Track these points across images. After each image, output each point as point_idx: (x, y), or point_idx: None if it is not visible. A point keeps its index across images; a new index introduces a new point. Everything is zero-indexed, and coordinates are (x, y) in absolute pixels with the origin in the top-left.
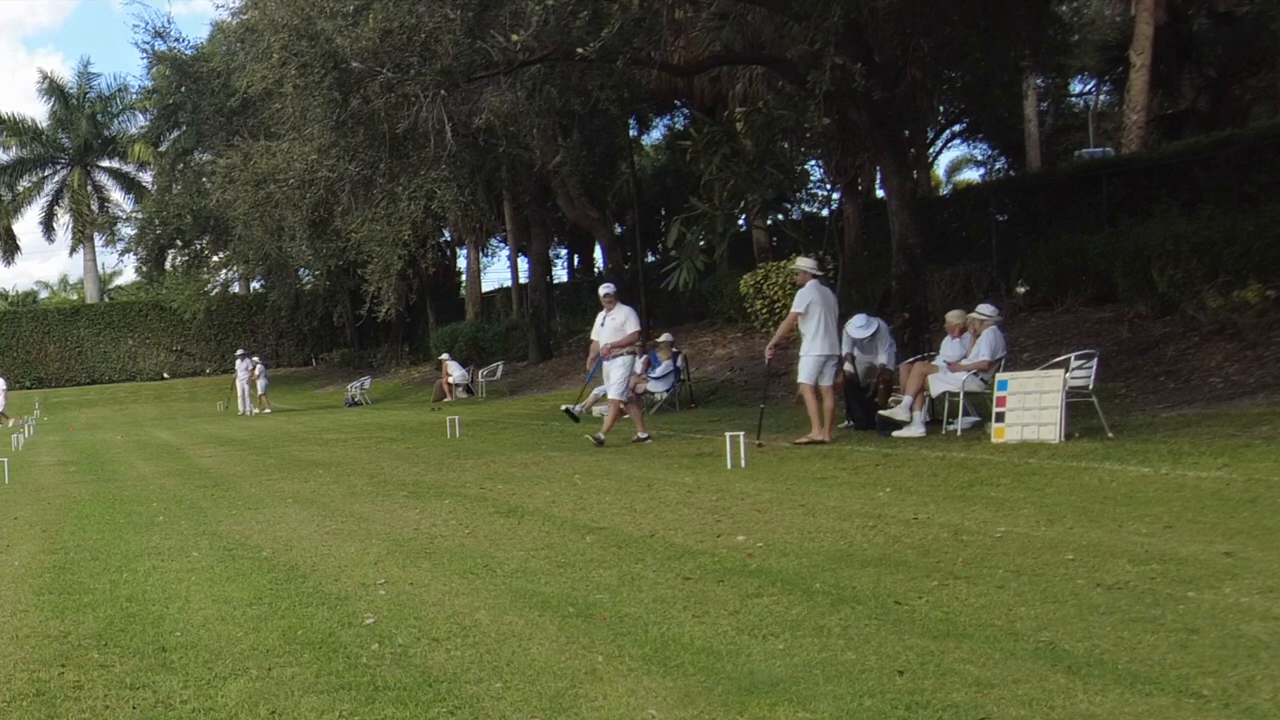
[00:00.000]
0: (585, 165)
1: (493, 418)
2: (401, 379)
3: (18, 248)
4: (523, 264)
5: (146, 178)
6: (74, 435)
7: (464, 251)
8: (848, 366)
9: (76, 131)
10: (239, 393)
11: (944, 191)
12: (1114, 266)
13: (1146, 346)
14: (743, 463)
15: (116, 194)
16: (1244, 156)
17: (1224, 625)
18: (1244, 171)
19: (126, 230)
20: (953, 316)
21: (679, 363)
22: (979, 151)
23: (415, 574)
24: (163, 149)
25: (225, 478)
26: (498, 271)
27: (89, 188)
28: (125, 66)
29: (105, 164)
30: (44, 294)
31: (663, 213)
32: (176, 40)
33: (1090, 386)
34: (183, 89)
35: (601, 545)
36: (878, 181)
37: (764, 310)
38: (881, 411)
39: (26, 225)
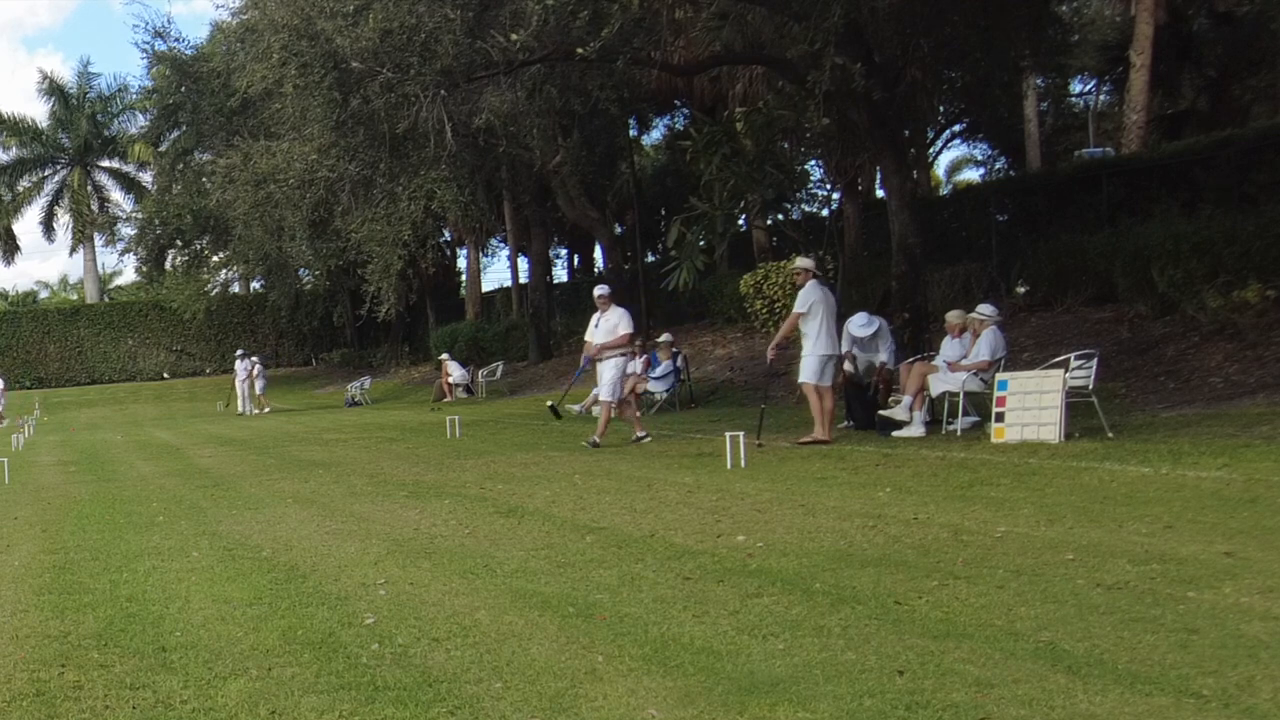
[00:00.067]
0: (585, 165)
1: (493, 418)
2: (401, 379)
3: (18, 248)
4: (523, 264)
5: (146, 178)
6: (74, 435)
7: (464, 251)
8: (848, 365)
9: (76, 131)
10: (238, 393)
11: (944, 191)
12: (1114, 266)
13: (1146, 346)
14: (743, 463)
15: (116, 194)
16: (1244, 156)
17: (1224, 625)
18: (1244, 171)
19: (126, 230)
20: (953, 316)
21: (679, 363)
22: (979, 151)
23: (415, 574)
24: (163, 149)
25: (225, 478)
26: (498, 271)
27: (89, 188)
28: (125, 66)
29: (105, 164)
30: (44, 294)
31: (663, 213)
32: (176, 40)
33: (1090, 386)
34: (183, 89)
35: (601, 545)
36: (878, 181)
37: (764, 310)
38: (881, 411)
39: (26, 225)
